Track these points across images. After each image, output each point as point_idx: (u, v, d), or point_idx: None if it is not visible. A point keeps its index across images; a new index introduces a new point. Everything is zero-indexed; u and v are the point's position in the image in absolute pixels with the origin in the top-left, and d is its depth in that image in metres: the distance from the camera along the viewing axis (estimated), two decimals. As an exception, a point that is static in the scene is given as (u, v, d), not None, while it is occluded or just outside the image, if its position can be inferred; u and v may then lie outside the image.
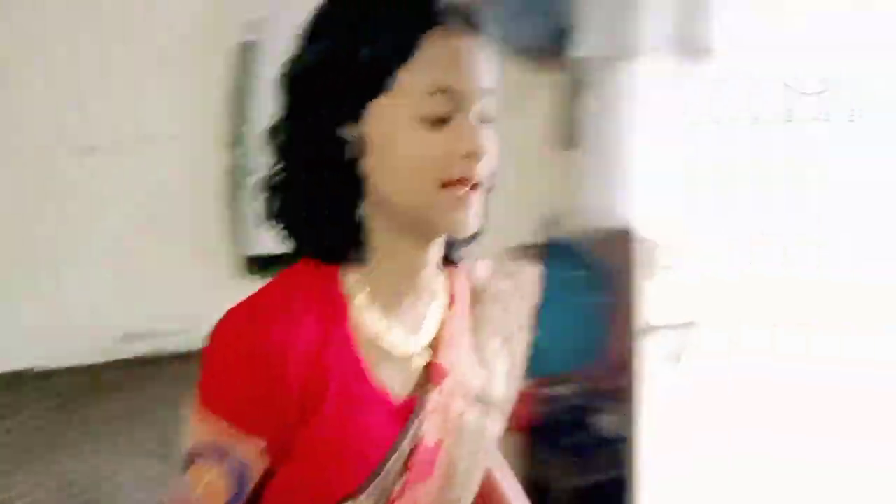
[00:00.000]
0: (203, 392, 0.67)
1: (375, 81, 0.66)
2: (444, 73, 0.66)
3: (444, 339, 0.76)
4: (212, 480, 0.65)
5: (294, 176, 0.70)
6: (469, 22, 0.69)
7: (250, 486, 0.67)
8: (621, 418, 2.08)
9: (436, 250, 0.74)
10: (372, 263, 0.71)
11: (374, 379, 0.71)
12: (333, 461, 0.69)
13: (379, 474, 0.70)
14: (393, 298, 0.73)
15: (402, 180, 0.67)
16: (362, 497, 0.69)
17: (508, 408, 0.84)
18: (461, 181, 0.67)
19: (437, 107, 0.66)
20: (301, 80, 0.69)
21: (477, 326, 0.81)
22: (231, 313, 0.67)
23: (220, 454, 0.65)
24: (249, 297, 0.69)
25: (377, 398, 0.71)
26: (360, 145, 0.68)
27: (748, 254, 2.08)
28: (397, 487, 0.72)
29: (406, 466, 0.72)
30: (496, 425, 0.82)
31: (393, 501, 0.71)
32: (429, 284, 0.76)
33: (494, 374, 0.81)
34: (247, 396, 0.65)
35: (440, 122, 0.66)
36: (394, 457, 0.71)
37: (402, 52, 0.65)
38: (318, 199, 0.69)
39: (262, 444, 0.66)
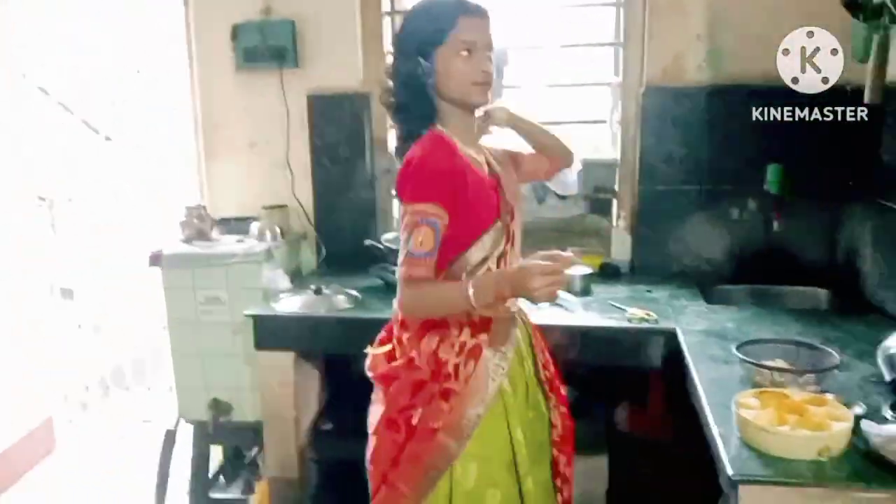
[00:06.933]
0: (410, 192, 1.43)
1: (438, 37, 1.50)
2: (468, 35, 1.49)
3: (490, 157, 1.64)
4: (426, 234, 1.40)
5: (402, 92, 1.55)
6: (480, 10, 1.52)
7: (441, 236, 1.43)
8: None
9: (473, 118, 1.61)
10: (449, 125, 1.56)
11: (477, 171, 1.55)
12: (476, 211, 1.50)
13: (503, 211, 1.55)
14: (466, 137, 1.58)
15: (455, 84, 1.52)
16: (498, 224, 1.53)
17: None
18: (483, 83, 1.52)
19: (466, 49, 1.49)
20: (403, 39, 1.55)
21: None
22: (412, 158, 1.47)
23: (429, 220, 1.41)
24: (413, 150, 1.49)
25: (484, 178, 1.56)
26: (431, 70, 1.51)
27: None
28: (509, 220, 1.57)
29: (509, 208, 1.57)
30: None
31: (508, 226, 1.56)
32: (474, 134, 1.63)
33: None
34: (439, 189, 1.44)
35: (469, 54, 1.49)
36: (504, 201, 1.57)
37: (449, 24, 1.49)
38: (415, 100, 1.54)
39: (446, 213, 1.44)
